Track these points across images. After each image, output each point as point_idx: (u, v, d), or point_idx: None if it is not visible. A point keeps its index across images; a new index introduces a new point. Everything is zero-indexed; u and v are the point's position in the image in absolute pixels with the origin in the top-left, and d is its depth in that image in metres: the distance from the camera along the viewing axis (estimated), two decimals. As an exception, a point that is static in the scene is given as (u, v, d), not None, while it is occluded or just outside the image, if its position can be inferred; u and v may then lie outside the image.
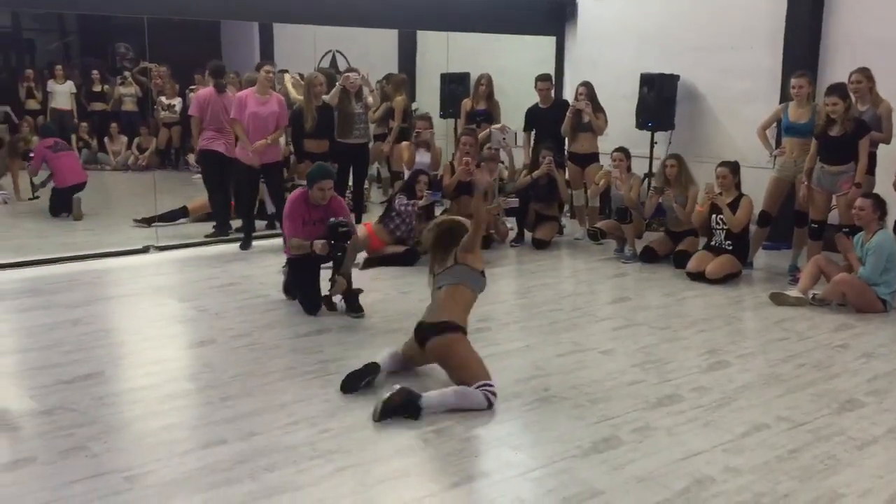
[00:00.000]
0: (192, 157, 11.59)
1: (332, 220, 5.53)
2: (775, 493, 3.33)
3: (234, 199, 8.21)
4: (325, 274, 5.71)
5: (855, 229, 6.22)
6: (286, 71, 9.58)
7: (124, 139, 12.47)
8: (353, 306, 5.64)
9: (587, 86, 8.19)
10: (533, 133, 8.66)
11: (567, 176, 8.44)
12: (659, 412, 4.12)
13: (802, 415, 4.11)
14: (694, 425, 3.97)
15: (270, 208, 8.11)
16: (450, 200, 7.68)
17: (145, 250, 7.54)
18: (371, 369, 4.33)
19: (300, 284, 5.76)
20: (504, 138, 8.20)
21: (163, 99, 12.08)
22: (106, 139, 12.43)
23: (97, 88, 12.71)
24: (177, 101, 12.05)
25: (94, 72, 12.82)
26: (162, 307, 5.90)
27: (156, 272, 6.93)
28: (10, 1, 8.98)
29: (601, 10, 9.75)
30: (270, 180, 7.65)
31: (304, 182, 7.90)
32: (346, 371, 4.53)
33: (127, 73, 12.68)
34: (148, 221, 8.28)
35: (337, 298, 5.66)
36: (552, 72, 9.48)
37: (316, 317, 5.61)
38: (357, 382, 4.28)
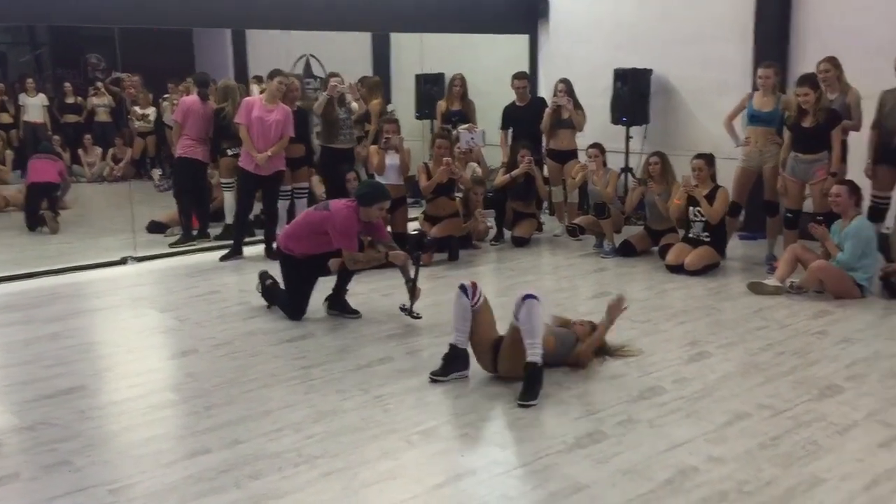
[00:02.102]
0: (156, 173, 11.56)
1: (416, 231, 5.61)
2: (758, 480, 3.37)
3: (198, 208, 8.25)
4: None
5: (829, 217, 6.30)
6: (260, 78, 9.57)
7: (99, 150, 12.39)
8: (348, 307, 5.73)
9: (566, 82, 8.23)
10: (510, 131, 8.69)
11: (546, 173, 8.48)
12: (642, 405, 4.15)
13: (783, 402, 4.16)
14: (676, 416, 4.00)
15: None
16: (427, 202, 7.70)
17: (123, 262, 7.50)
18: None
19: (293, 288, 5.71)
20: (472, 138, 8.22)
21: (136, 109, 11.99)
22: (80, 151, 12.34)
23: (70, 100, 12.61)
24: (151, 111, 11.96)
25: (67, 84, 12.72)
26: (142, 318, 5.87)
27: (135, 283, 6.89)
28: (-21, 15, 8.91)
29: (573, 7, 9.79)
30: (270, 188, 7.60)
31: (229, 181, 7.94)
32: (331, 376, 4.57)
33: (99, 84, 12.60)
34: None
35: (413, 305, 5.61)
36: (526, 69, 9.52)
37: (299, 322, 5.61)
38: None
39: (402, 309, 5.53)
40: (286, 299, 5.76)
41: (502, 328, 4.55)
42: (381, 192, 5.61)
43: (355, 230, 5.50)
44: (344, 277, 5.77)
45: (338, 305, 5.78)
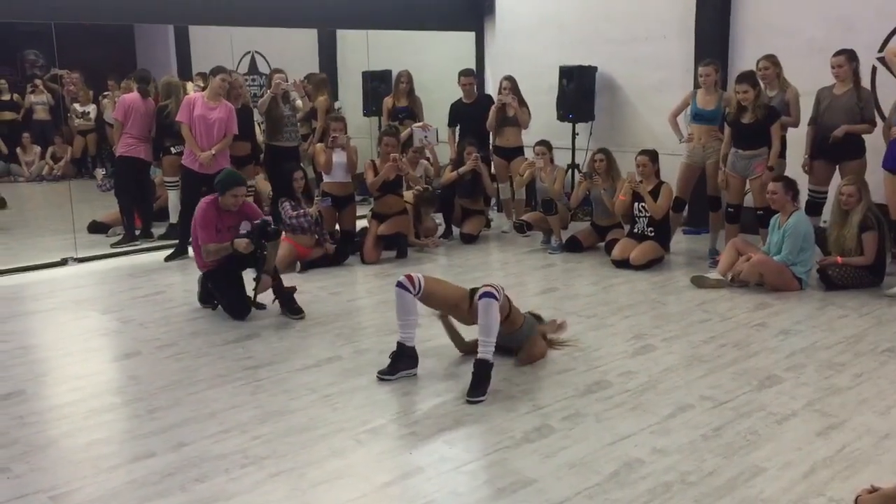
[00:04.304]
0: (99, 173, 11.32)
1: (261, 219, 5.62)
2: (701, 470, 3.43)
3: (141, 207, 8.13)
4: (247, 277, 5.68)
5: (769, 212, 6.44)
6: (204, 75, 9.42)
7: (37, 149, 12.07)
8: (292, 307, 5.64)
9: (510, 80, 8.27)
10: (457, 128, 8.70)
11: (493, 169, 8.52)
12: (588, 399, 4.20)
13: (724, 393, 4.25)
14: (622, 410, 4.06)
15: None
16: (374, 199, 7.68)
17: (64, 263, 7.33)
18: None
19: (223, 292, 5.69)
20: (426, 136, 8.22)
21: (76, 106, 11.70)
22: (18, 150, 12.01)
23: (6, 97, 12.27)
24: (91, 108, 11.68)
25: (2, 81, 12.37)
26: (84, 320, 5.74)
27: (76, 285, 6.73)
28: None
29: (518, 4, 9.84)
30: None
31: (173, 180, 7.87)
32: (277, 376, 4.53)
33: (38, 81, 12.26)
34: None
35: (263, 297, 5.66)
36: (473, 67, 9.54)
37: (244, 321, 5.55)
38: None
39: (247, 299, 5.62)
40: (225, 305, 5.73)
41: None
42: (232, 180, 5.64)
43: (210, 221, 5.55)
44: (278, 287, 5.68)
45: (284, 307, 5.71)
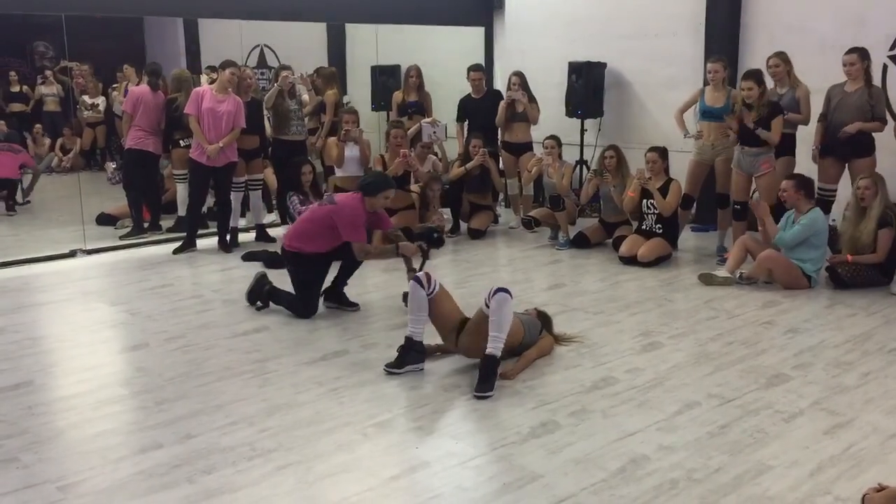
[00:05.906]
0: (110, 166, 11.34)
1: (428, 226, 5.86)
2: (707, 468, 3.43)
3: (149, 200, 8.18)
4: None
5: (777, 209, 6.41)
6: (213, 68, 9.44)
7: (48, 141, 12.10)
8: (345, 300, 5.71)
9: (520, 75, 8.25)
10: (466, 123, 8.69)
11: (501, 165, 8.51)
12: (595, 395, 4.19)
13: (732, 391, 4.24)
14: (629, 406, 4.06)
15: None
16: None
17: (72, 254, 7.36)
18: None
19: (305, 284, 5.55)
20: (435, 132, 8.21)
21: (86, 98, 11.72)
22: (29, 141, 12.04)
23: (16, 89, 12.31)
24: (100, 100, 11.70)
25: (12, 72, 12.42)
26: (92, 312, 5.76)
27: (84, 276, 6.76)
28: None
29: (528, 0, 9.82)
30: (223, 180, 7.49)
31: (182, 172, 7.85)
32: (285, 370, 4.54)
33: (48, 73, 12.30)
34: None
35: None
36: (482, 62, 9.53)
37: (254, 315, 5.55)
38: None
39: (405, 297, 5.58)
40: (296, 298, 5.57)
41: (468, 313, 4.66)
42: (385, 181, 5.56)
43: (363, 221, 5.44)
44: (347, 270, 5.69)
45: (335, 298, 5.71)
